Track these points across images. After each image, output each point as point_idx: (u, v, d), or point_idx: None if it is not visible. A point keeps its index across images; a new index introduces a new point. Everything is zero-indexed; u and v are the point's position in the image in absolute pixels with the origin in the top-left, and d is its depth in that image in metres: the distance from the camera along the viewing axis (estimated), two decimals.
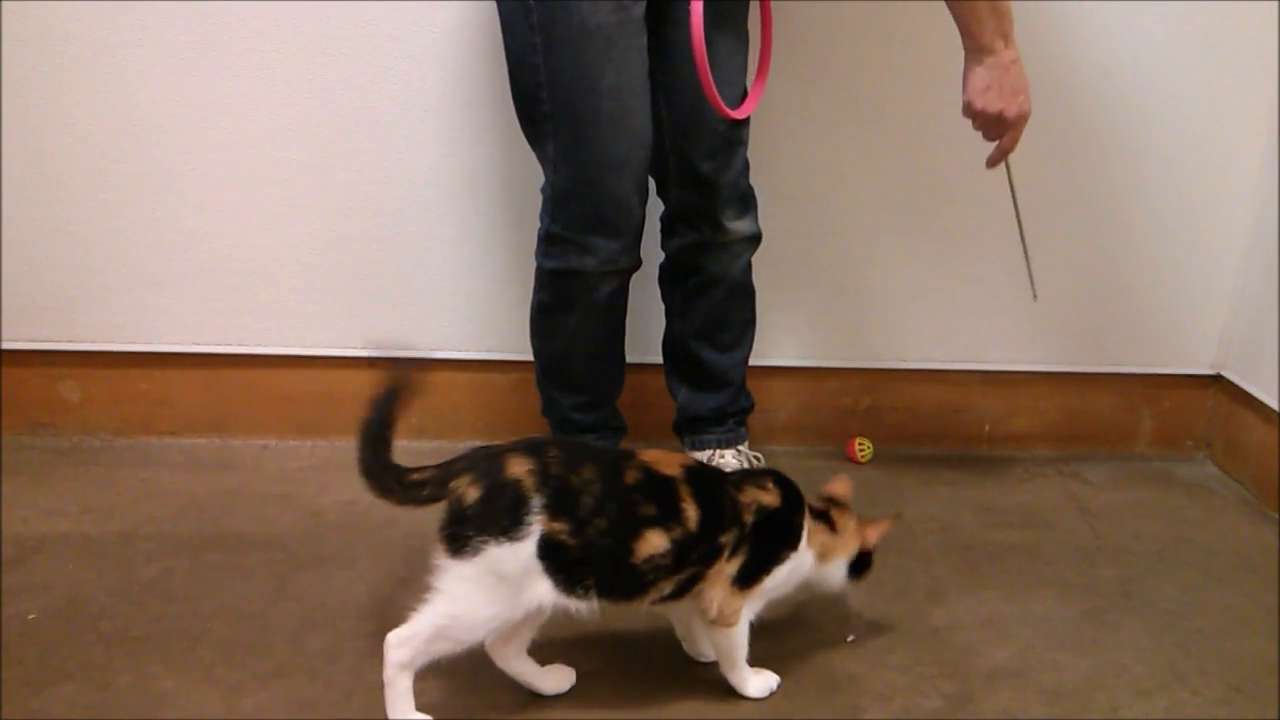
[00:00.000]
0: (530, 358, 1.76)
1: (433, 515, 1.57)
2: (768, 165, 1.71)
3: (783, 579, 1.17)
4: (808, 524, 1.19)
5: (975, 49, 1.33)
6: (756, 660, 1.28)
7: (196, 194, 1.67)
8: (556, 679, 1.21)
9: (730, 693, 1.22)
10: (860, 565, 1.25)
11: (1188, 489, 1.82)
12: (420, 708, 1.17)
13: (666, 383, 1.69)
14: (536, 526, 1.05)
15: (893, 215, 1.78)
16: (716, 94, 1.32)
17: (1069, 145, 1.76)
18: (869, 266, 1.80)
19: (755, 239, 1.54)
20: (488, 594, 1.05)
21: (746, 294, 1.59)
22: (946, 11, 1.35)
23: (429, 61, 1.62)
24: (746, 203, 1.51)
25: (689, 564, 1.11)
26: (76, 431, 1.76)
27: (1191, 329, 1.89)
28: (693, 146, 1.44)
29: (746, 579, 1.15)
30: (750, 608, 1.17)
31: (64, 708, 1.14)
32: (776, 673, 1.25)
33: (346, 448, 1.77)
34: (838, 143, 1.73)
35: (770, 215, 1.74)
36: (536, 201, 1.71)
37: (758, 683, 1.21)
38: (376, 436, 1.12)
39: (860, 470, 1.82)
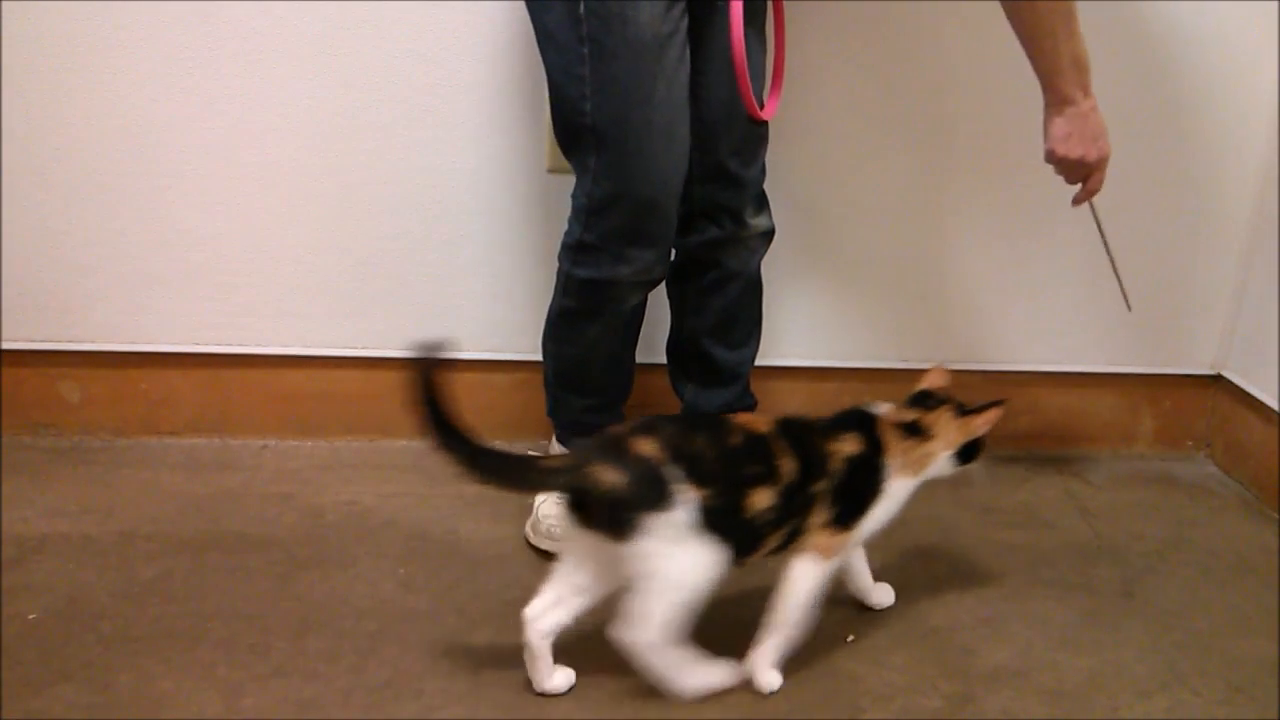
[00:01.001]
0: (531, 358, 1.76)
1: (432, 516, 1.57)
2: (768, 165, 1.71)
3: (876, 519, 1.25)
4: (894, 456, 1.26)
5: (1056, 100, 1.39)
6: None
7: (196, 194, 1.67)
8: (561, 678, 1.23)
9: (728, 693, 1.22)
10: (969, 452, 1.31)
11: (1188, 489, 1.82)
12: (419, 709, 1.17)
13: (671, 382, 1.68)
14: (688, 493, 1.12)
15: (893, 215, 1.78)
16: (752, 95, 1.33)
17: None
18: (869, 266, 1.80)
19: (771, 234, 1.55)
20: (676, 557, 1.12)
21: (758, 290, 1.60)
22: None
23: (429, 62, 1.62)
24: (763, 199, 1.53)
25: (792, 515, 1.19)
26: (76, 431, 1.77)
27: (1191, 329, 1.89)
28: (722, 144, 1.43)
29: (843, 522, 1.23)
30: (847, 549, 1.27)
31: (64, 708, 1.14)
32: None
33: (346, 448, 1.78)
34: (838, 143, 1.73)
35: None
36: (536, 202, 1.72)
37: (885, 597, 1.40)
38: (450, 436, 1.19)
39: None
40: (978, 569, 1.52)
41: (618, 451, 1.13)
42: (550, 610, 1.19)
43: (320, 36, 1.61)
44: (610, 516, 1.11)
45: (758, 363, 1.80)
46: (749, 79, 1.33)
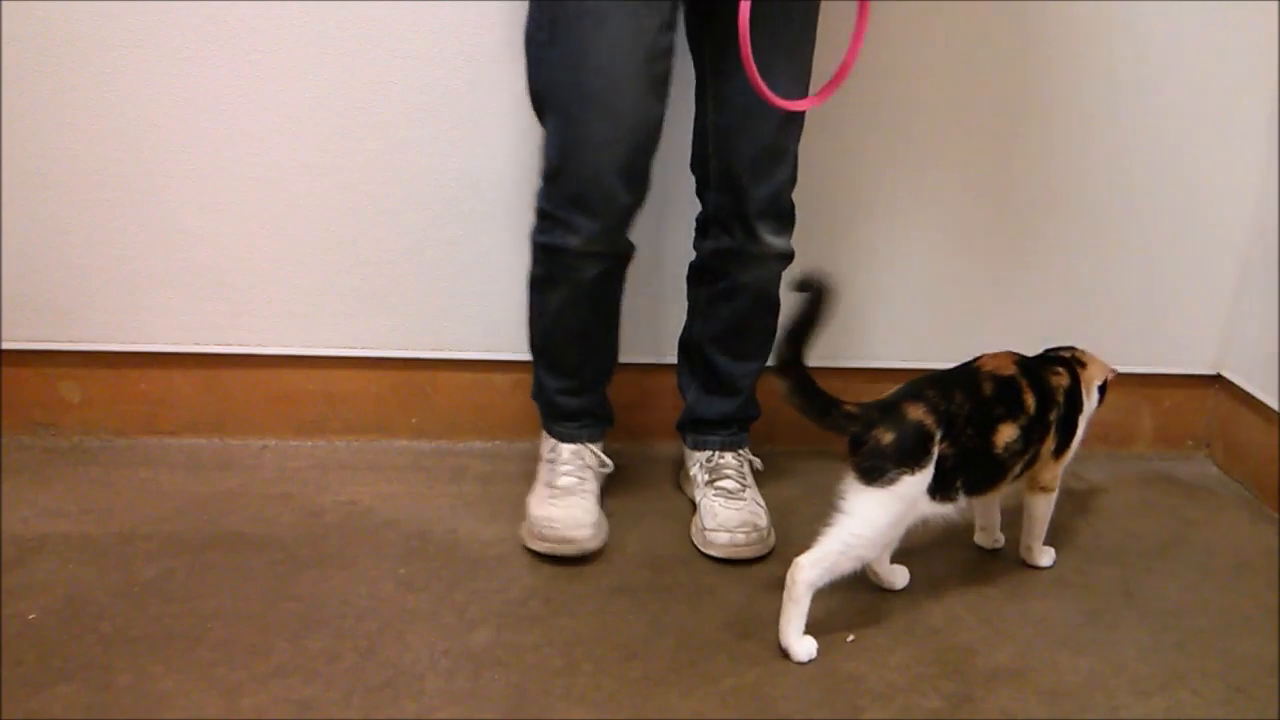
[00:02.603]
0: (530, 358, 1.76)
1: (432, 516, 1.57)
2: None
3: (1079, 438, 1.46)
4: (1084, 386, 1.46)
5: None
6: (756, 658, 1.28)
7: (196, 194, 1.67)
8: (901, 575, 1.45)
9: (728, 693, 1.22)
10: (1100, 396, 1.51)
11: (1188, 489, 1.82)
12: (419, 709, 1.17)
13: (677, 379, 1.69)
14: (935, 454, 1.28)
15: (893, 215, 1.78)
16: (759, 78, 1.26)
17: (1069, 145, 1.76)
18: (869, 266, 1.80)
19: (787, 257, 1.53)
20: (892, 516, 1.27)
21: (771, 306, 1.58)
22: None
23: (430, 62, 1.62)
24: (783, 220, 1.50)
25: (1032, 443, 1.37)
26: (76, 431, 1.76)
27: (1191, 329, 1.89)
28: (734, 154, 1.44)
29: (1060, 449, 1.43)
30: (1060, 474, 1.47)
31: (64, 708, 1.14)
32: (775, 672, 1.26)
33: (346, 448, 1.78)
34: (838, 142, 1.73)
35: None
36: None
37: (1047, 557, 1.52)
38: (795, 350, 1.28)
39: None
40: (978, 569, 1.52)
41: (895, 414, 1.29)
42: (818, 564, 1.27)
43: (320, 36, 1.61)
44: (871, 466, 1.27)
45: None
46: (753, 62, 1.26)
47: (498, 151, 1.68)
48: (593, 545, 1.47)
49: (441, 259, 1.73)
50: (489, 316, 1.77)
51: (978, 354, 1.44)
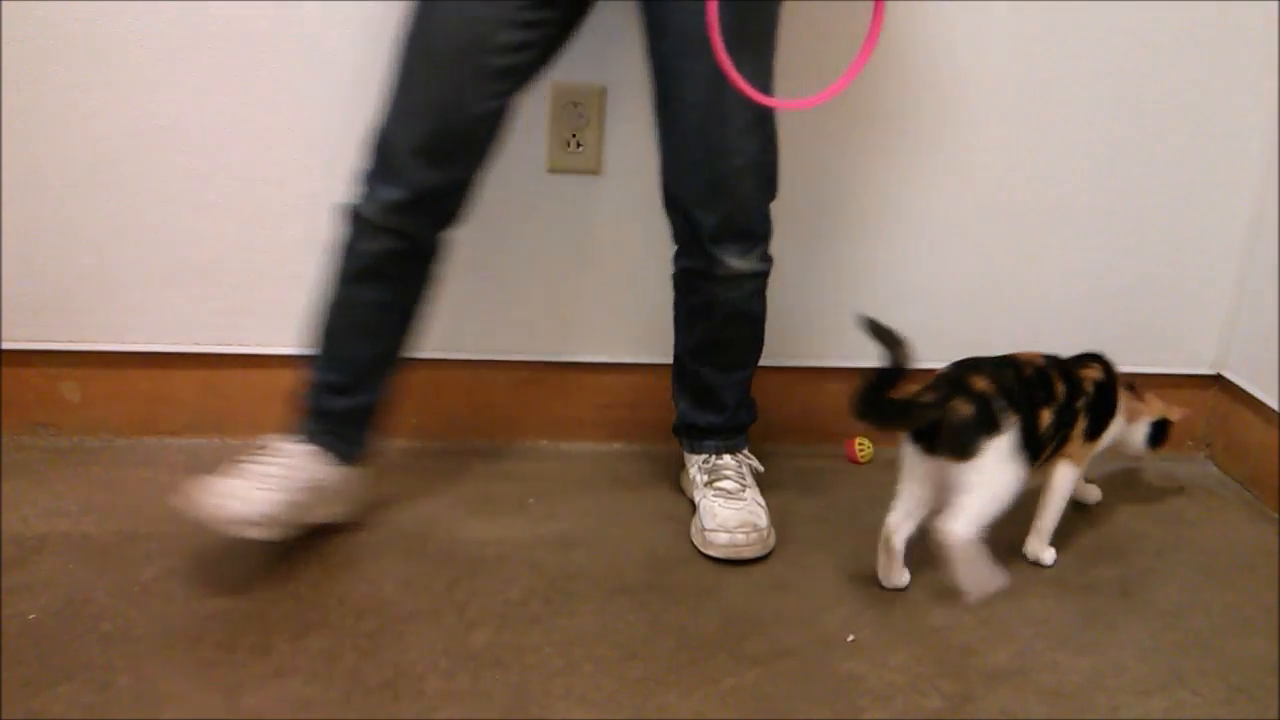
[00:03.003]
0: (531, 358, 1.77)
1: (432, 516, 1.57)
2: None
3: (1111, 434, 1.57)
4: (1121, 395, 1.58)
5: None
6: (756, 658, 1.28)
7: (196, 194, 1.67)
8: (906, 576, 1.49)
9: (728, 694, 1.22)
10: (1158, 435, 1.63)
11: (1188, 489, 1.82)
12: (418, 709, 1.17)
13: (672, 395, 1.68)
14: (1010, 419, 1.38)
15: (893, 214, 1.78)
16: (729, 63, 1.22)
17: (1069, 144, 1.76)
18: (869, 266, 1.80)
19: (759, 275, 1.49)
20: (1005, 473, 1.38)
21: (750, 320, 1.54)
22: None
23: None
24: (751, 241, 1.46)
25: (1062, 427, 1.48)
26: (76, 431, 1.76)
27: (1191, 329, 1.89)
28: (680, 183, 1.43)
29: (1092, 434, 1.54)
30: (1089, 458, 1.57)
31: (64, 708, 1.14)
32: (775, 672, 1.26)
33: None
34: (838, 142, 1.73)
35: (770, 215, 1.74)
36: (536, 202, 1.72)
37: (1049, 555, 1.57)
38: (875, 403, 1.36)
39: (860, 470, 1.82)
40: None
41: (964, 387, 1.38)
42: (905, 521, 1.42)
43: (320, 36, 1.61)
44: (959, 440, 1.36)
45: (762, 362, 1.80)
46: (726, 61, 1.22)
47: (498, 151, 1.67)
48: (254, 530, 1.33)
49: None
50: (489, 316, 1.77)
51: (966, 355, 1.46)
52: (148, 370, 1.75)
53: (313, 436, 1.44)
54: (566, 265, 1.74)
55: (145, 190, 1.66)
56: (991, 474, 1.37)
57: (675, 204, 1.46)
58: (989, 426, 1.37)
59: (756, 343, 1.59)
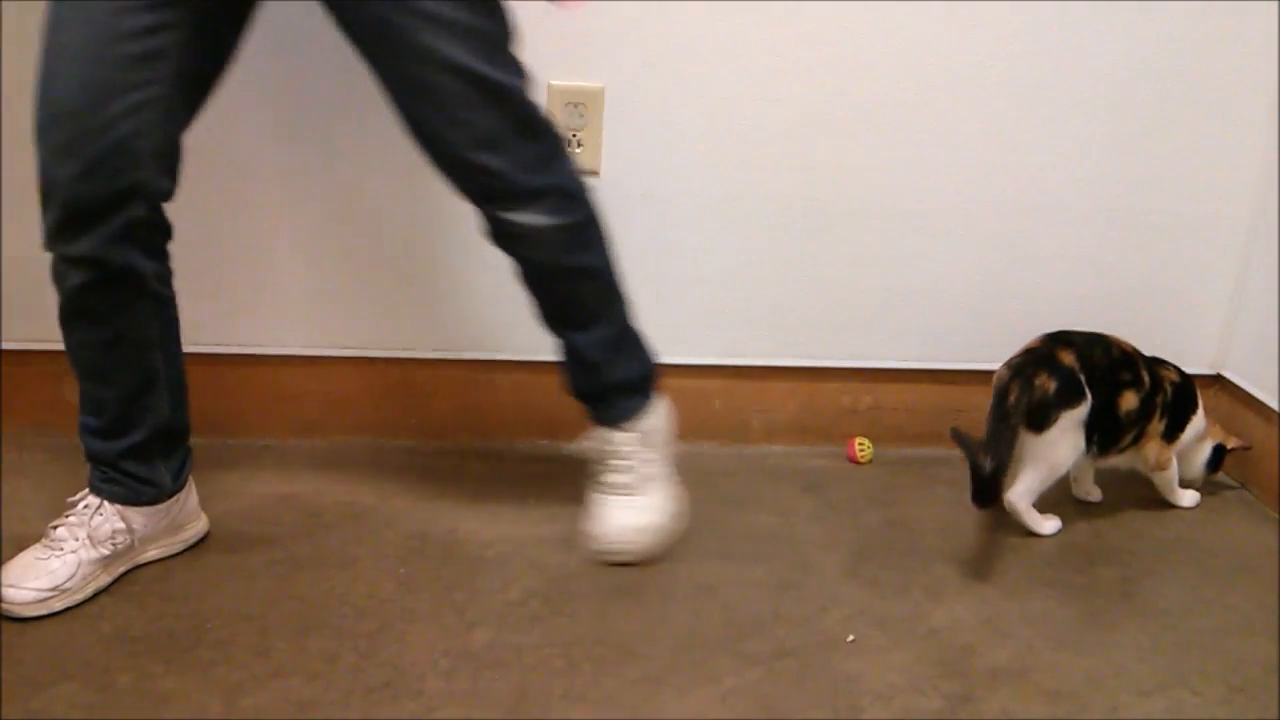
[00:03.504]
0: (531, 358, 1.76)
1: (432, 516, 1.57)
2: (767, 164, 1.72)
3: (1190, 435, 1.66)
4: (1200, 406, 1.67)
5: None
6: (756, 658, 1.28)
7: (196, 193, 1.66)
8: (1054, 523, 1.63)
9: (728, 694, 1.22)
10: (1216, 460, 1.71)
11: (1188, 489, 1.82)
12: (418, 709, 1.17)
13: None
14: (1088, 396, 1.51)
15: (893, 214, 1.78)
16: None
17: (1069, 144, 1.76)
18: (869, 265, 1.80)
19: (564, 229, 1.36)
20: (1069, 446, 1.53)
21: (585, 274, 1.42)
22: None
23: None
24: (538, 196, 1.34)
25: (1144, 417, 1.57)
26: (77, 431, 1.76)
27: (1191, 329, 1.89)
28: (427, 151, 1.33)
29: (1170, 434, 1.63)
30: (1173, 458, 1.66)
31: (64, 708, 1.14)
32: (775, 672, 1.25)
33: (347, 448, 1.78)
34: (838, 141, 1.73)
35: (769, 214, 1.75)
36: None
37: (1189, 498, 1.72)
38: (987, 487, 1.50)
39: (860, 470, 1.82)
40: (978, 569, 1.52)
41: (1051, 361, 1.51)
42: (1025, 496, 1.56)
43: (319, 36, 1.60)
44: (1036, 415, 1.50)
45: (762, 362, 1.80)
46: None
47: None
48: (32, 612, 1.27)
49: (442, 259, 1.73)
50: (489, 316, 1.77)
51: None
52: None
53: (94, 488, 1.36)
54: None
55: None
56: (1054, 447, 1.52)
57: (438, 160, 1.35)
58: (1068, 400, 1.50)
59: (607, 296, 1.45)
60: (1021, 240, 1.81)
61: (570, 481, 1.70)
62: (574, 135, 1.68)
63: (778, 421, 1.87)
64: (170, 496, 1.40)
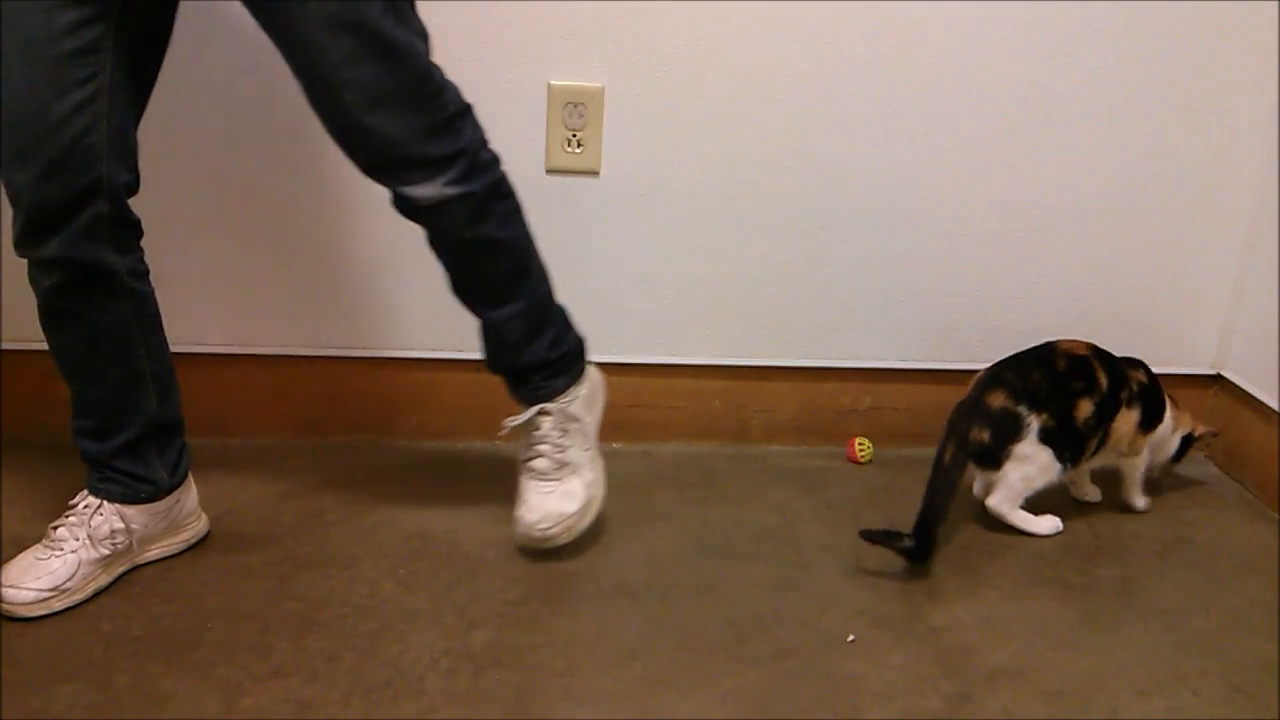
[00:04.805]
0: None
1: (432, 516, 1.57)
2: (767, 164, 1.72)
3: (1159, 435, 1.66)
4: (1168, 402, 1.67)
5: None
6: (756, 658, 1.28)
7: (196, 193, 1.67)
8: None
9: (728, 694, 1.22)
10: (1183, 448, 1.71)
11: (1188, 489, 1.82)
12: (419, 709, 1.17)
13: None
14: (1032, 424, 1.53)
15: (893, 214, 1.78)
16: None
17: (1069, 144, 1.76)
18: (869, 265, 1.80)
19: (464, 199, 1.31)
20: (1034, 462, 1.54)
21: (493, 247, 1.37)
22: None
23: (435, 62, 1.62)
24: (436, 165, 1.29)
25: (1104, 420, 1.57)
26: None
27: (1191, 329, 1.89)
28: (314, 72, 1.24)
29: (1146, 426, 1.63)
30: (1146, 448, 1.66)
31: (64, 708, 1.14)
32: (775, 672, 1.25)
33: (347, 447, 1.78)
34: (838, 140, 1.73)
35: (770, 214, 1.75)
36: (536, 202, 1.71)
37: (1142, 502, 1.70)
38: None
39: (860, 470, 1.82)
40: (978, 569, 1.52)
41: (979, 410, 1.53)
42: (994, 495, 1.58)
43: None
44: (985, 459, 1.55)
45: (760, 363, 1.80)
46: None
47: (498, 151, 1.67)
48: (30, 612, 1.28)
49: None
50: None
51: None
52: None
53: (91, 488, 1.36)
54: (565, 265, 1.72)
55: (144, 190, 1.66)
56: (1021, 464, 1.54)
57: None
58: (1010, 437, 1.53)
59: (520, 272, 1.41)
60: (1021, 240, 1.81)
61: None
62: (574, 135, 1.68)
63: (778, 421, 1.87)
64: (168, 493, 1.40)
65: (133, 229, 1.34)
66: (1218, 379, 1.91)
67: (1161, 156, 1.78)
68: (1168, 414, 1.66)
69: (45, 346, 1.70)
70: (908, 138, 1.73)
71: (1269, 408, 1.76)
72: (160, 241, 1.69)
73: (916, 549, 1.47)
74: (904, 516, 1.55)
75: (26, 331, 1.71)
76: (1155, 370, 1.74)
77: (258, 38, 1.25)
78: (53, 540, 1.33)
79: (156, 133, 1.51)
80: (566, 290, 1.75)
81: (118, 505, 1.35)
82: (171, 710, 1.15)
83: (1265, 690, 1.29)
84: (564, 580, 1.43)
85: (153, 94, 1.38)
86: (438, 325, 1.76)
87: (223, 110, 1.64)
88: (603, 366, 1.82)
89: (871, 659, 1.30)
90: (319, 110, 1.27)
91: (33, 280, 1.29)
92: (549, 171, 1.69)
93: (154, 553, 1.41)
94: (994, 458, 1.54)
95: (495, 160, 1.36)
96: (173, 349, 1.73)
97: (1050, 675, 1.29)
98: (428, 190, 1.30)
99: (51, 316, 1.32)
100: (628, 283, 1.76)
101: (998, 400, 1.53)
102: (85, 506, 1.35)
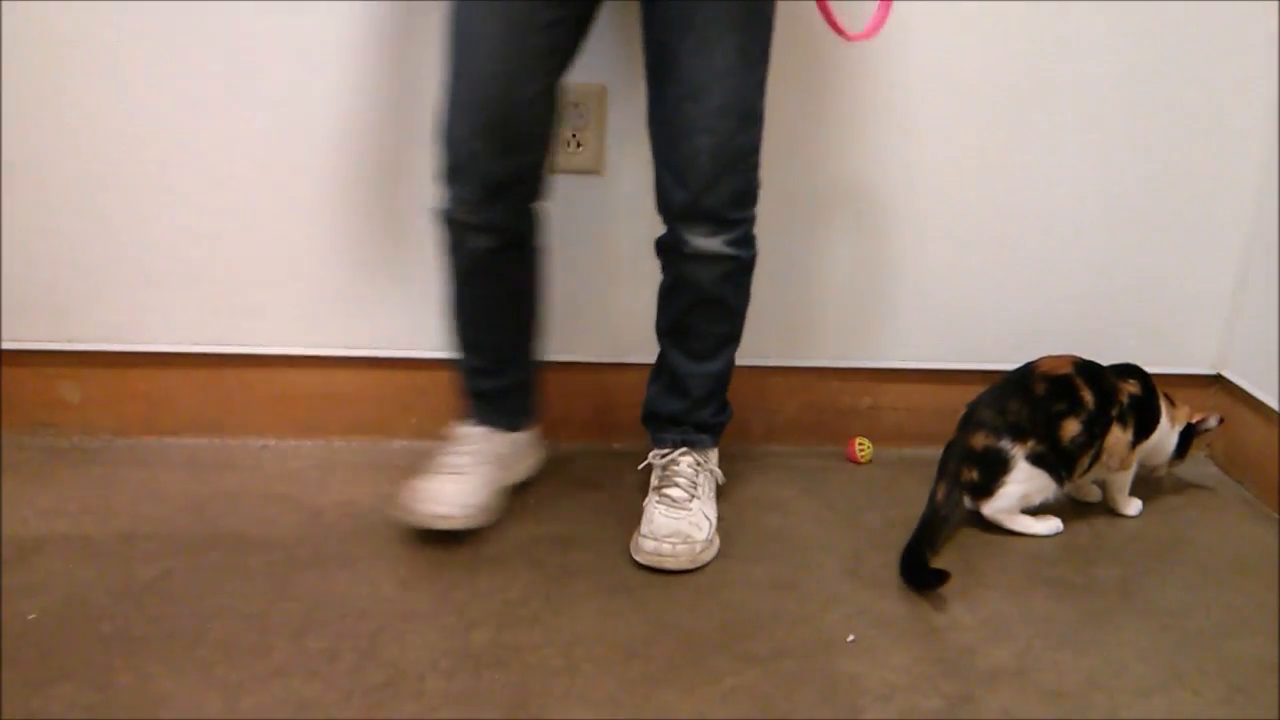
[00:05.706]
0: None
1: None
2: (766, 164, 1.71)
3: (1154, 442, 1.64)
4: (1163, 404, 1.65)
5: None
6: (756, 658, 1.28)
7: (196, 194, 1.67)
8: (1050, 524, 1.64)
9: (728, 694, 1.23)
10: (1184, 442, 1.68)
11: (1188, 489, 1.82)
12: (419, 709, 1.17)
13: (649, 376, 1.64)
14: (1018, 454, 1.53)
15: (894, 214, 1.78)
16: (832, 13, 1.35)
17: (1069, 145, 1.76)
18: (870, 265, 1.80)
19: (728, 259, 1.46)
20: (1032, 486, 1.55)
21: (720, 308, 1.51)
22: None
23: (430, 63, 1.62)
24: (717, 224, 1.43)
25: (1095, 437, 1.56)
26: (76, 431, 1.76)
27: (1191, 329, 1.89)
28: (658, 160, 1.45)
29: (1139, 438, 1.62)
30: (1135, 460, 1.64)
31: (64, 708, 1.14)
32: (775, 672, 1.25)
33: (346, 447, 1.78)
34: (837, 141, 1.73)
35: (769, 214, 1.74)
36: None
37: (1134, 507, 1.69)
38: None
39: (860, 470, 1.82)
40: (978, 569, 1.52)
41: (964, 452, 1.55)
42: (996, 503, 1.58)
43: (319, 37, 1.61)
44: (979, 492, 1.56)
45: (760, 363, 1.80)
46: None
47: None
48: (460, 524, 1.47)
49: None
50: None
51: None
52: (147, 370, 1.75)
53: (480, 418, 1.56)
54: (566, 265, 1.74)
55: (144, 190, 1.66)
56: (1017, 486, 1.55)
57: (658, 177, 1.46)
58: (998, 471, 1.54)
59: (728, 336, 1.55)
60: (1022, 240, 1.81)
61: (570, 481, 1.70)
62: (574, 135, 1.68)
63: (778, 421, 1.87)
64: (535, 424, 1.63)
65: (542, 196, 1.49)
66: (1218, 379, 1.91)
67: (1161, 157, 1.78)
68: (1163, 417, 1.65)
69: (45, 347, 1.71)
70: (908, 138, 1.73)
71: (1269, 408, 1.76)
72: (160, 241, 1.69)
73: (905, 569, 1.46)
74: (905, 516, 1.55)
75: (26, 331, 1.71)
76: (1155, 371, 1.75)
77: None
78: (456, 467, 1.50)
79: None
80: (567, 290, 1.75)
81: (496, 433, 1.56)
82: (171, 710, 1.15)
83: (1265, 690, 1.29)
84: (564, 580, 1.43)
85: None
86: (437, 325, 1.76)
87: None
88: (603, 366, 1.83)
89: (871, 659, 1.30)
90: (669, 142, 1.43)
91: (457, 241, 1.45)
92: (551, 171, 1.69)
93: (511, 479, 1.60)
94: (988, 490, 1.56)
95: (754, 240, 1.51)
96: (173, 349, 1.74)
97: (1050, 675, 1.29)
98: (710, 244, 1.45)
99: (475, 273, 1.48)
100: (628, 282, 1.76)
101: (979, 440, 1.55)
102: (472, 435, 1.54)
